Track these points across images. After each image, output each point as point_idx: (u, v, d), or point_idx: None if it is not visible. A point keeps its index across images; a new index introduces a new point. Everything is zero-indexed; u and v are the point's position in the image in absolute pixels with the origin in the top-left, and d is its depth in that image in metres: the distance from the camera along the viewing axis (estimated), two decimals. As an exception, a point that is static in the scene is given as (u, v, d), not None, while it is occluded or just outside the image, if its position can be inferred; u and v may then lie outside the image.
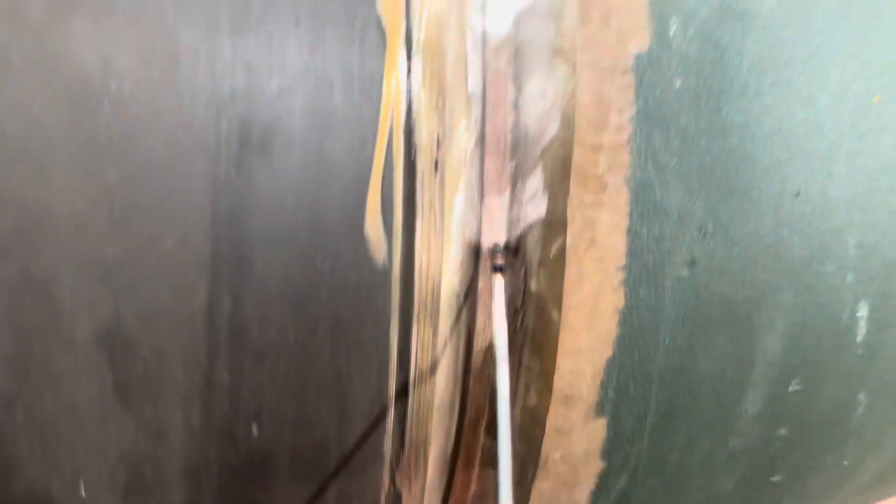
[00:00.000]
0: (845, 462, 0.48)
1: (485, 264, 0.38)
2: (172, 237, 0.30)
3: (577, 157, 0.38)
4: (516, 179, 0.39)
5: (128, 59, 0.30)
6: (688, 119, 0.39)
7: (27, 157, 0.30)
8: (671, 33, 0.39)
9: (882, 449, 0.49)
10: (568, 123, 0.38)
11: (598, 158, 0.38)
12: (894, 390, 0.46)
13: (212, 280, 0.31)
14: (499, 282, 0.37)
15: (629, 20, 0.39)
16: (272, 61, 0.32)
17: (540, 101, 0.38)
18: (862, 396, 0.45)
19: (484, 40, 0.38)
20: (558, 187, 0.38)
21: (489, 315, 0.39)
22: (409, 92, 0.36)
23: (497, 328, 0.35)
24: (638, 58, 0.39)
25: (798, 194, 0.41)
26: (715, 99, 0.40)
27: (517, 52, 0.38)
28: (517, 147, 0.38)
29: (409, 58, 0.36)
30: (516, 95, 0.38)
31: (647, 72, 0.39)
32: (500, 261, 0.38)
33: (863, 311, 0.44)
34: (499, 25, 0.38)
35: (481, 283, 0.39)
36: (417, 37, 0.37)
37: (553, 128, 0.39)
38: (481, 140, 0.38)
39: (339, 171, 0.33)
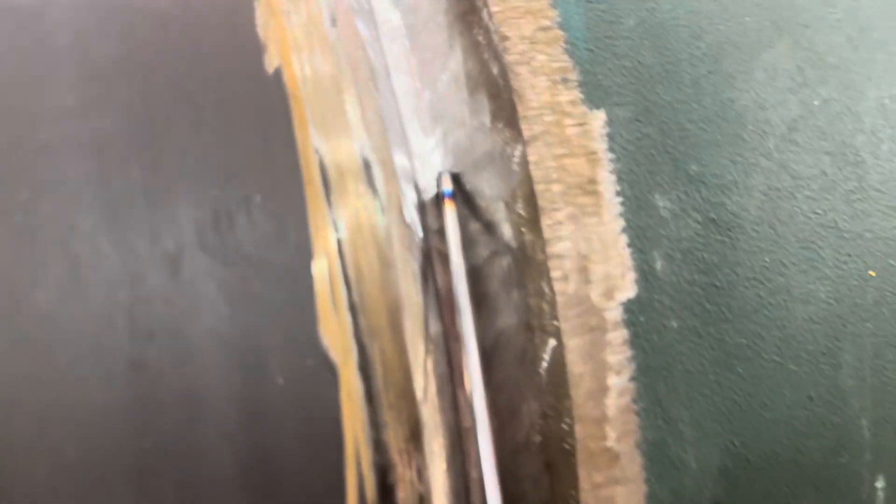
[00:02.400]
0: None
1: None
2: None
3: (580, 434, 0.33)
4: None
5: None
6: (691, 360, 0.35)
7: None
8: (657, 269, 0.34)
9: None
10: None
11: (604, 430, 0.33)
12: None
13: None
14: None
15: (610, 267, 0.33)
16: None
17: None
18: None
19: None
20: (563, 474, 0.33)
21: None
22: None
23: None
24: (627, 307, 0.33)
25: (811, 398, 0.38)
26: (716, 329, 0.35)
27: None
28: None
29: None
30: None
31: (639, 320, 0.34)
32: None
33: (881, 483, 0.42)
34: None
35: None
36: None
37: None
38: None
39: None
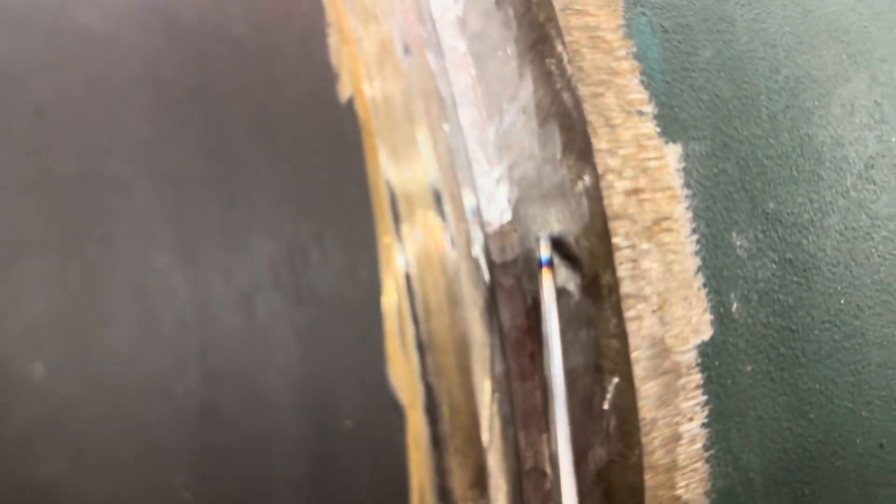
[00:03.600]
0: None
1: None
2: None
3: (650, 482, 0.31)
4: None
5: None
6: (764, 406, 0.33)
7: None
8: (733, 311, 0.32)
9: None
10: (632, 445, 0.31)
11: (673, 479, 0.32)
12: None
13: None
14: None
15: (686, 308, 0.32)
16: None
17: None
18: None
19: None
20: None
21: None
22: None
23: None
24: (702, 350, 0.32)
25: (881, 446, 0.36)
26: (790, 373, 0.33)
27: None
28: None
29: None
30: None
31: (714, 363, 0.32)
32: None
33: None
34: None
35: None
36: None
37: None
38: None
39: None
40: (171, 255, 0.23)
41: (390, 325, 0.28)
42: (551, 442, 0.31)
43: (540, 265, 0.31)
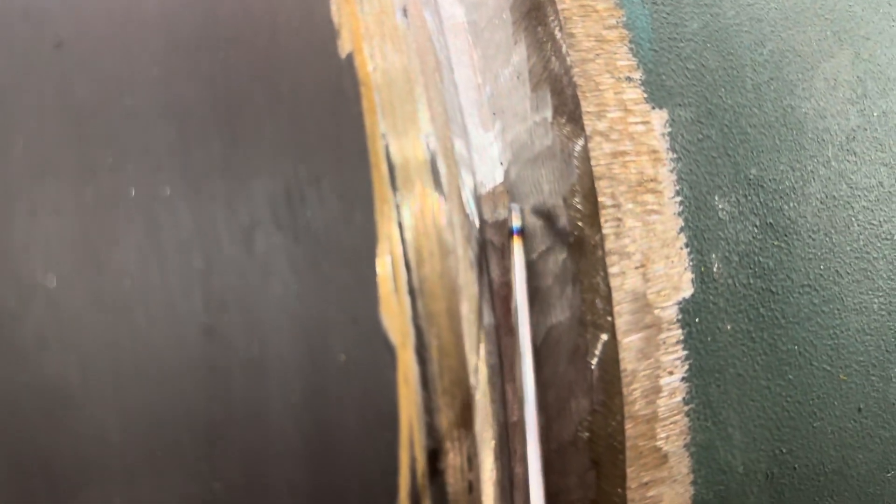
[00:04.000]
0: None
1: None
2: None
3: (630, 432, 0.33)
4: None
5: None
6: (744, 364, 0.34)
7: None
8: (714, 271, 0.34)
9: None
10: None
11: (654, 430, 0.33)
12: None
13: None
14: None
15: (668, 266, 0.33)
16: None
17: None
18: None
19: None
20: (610, 473, 0.33)
21: None
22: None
23: None
24: (683, 307, 0.33)
25: (860, 410, 0.37)
26: (769, 334, 0.35)
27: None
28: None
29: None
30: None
31: (694, 320, 0.33)
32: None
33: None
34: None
35: None
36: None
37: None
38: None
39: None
40: (178, 186, 0.25)
41: (383, 269, 0.30)
42: (519, 398, 0.33)
43: (511, 233, 0.33)
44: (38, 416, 0.22)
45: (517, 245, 0.34)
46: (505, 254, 0.36)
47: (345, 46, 0.30)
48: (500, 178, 0.36)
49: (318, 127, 0.28)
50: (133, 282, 0.23)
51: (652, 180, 0.33)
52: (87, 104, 0.23)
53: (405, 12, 0.32)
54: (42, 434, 0.22)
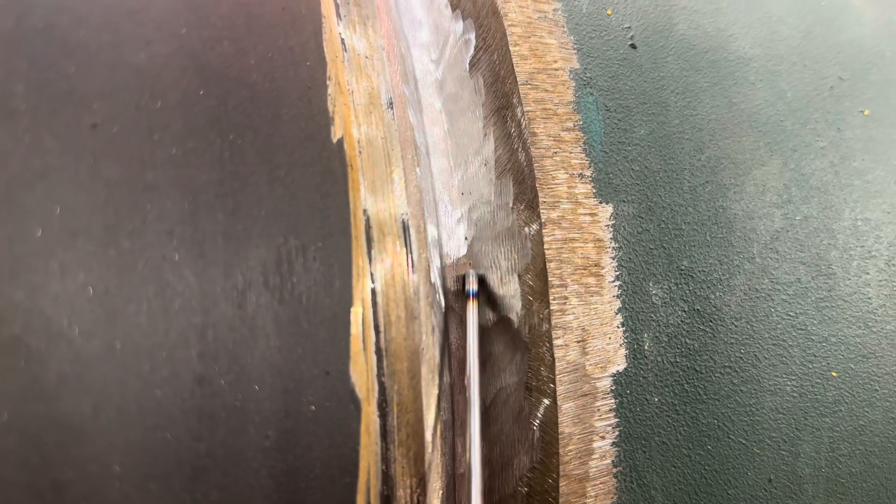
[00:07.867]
0: None
1: None
2: None
3: (564, 489, 0.37)
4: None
5: None
6: (668, 433, 0.39)
7: None
8: (646, 349, 0.39)
9: None
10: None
11: (585, 489, 0.37)
12: None
13: None
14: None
15: (605, 342, 0.38)
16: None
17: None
18: None
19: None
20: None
21: None
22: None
23: None
24: (616, 379, 0.38)
25: (770, 481, 0.42)
26: (692, 407, 0.39)
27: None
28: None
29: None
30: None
31: (626, 392, 0.38)
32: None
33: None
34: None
35: None
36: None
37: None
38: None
39: None
40: (185, 251, 0.29)
41: (355, 329, 0.34)
42: (466, 447, 0.37)
43: (467, 296, 0.38)
44: (54, 448, 0.26)
45: (472, 307, 0.39)
46: (464, 320, 0.40)
47: (336, 132, 0.35)
48: (464, 251, 0.41)
49: (308, 202, 0.33)
50: (142, 334, 0.28)
51: (595, 265, 0.38)
52: (114, 177, 0.28)
53: (391, 104, 0.37)
54: (58, 462, 0.26)
